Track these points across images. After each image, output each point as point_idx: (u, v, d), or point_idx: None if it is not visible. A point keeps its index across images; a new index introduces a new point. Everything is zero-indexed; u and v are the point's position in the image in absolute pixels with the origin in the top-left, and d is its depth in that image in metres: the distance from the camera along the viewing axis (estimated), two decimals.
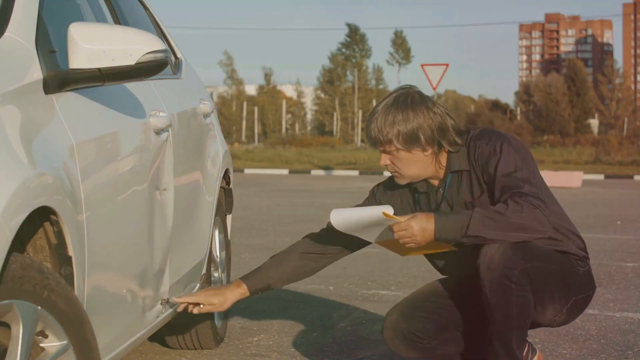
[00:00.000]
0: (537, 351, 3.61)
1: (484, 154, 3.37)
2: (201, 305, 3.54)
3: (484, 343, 3.35)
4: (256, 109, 78.67)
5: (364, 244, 3.58)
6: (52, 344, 2.31)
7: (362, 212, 3.34)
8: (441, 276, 3.71)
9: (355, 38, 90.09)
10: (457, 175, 3.44)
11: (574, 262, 3.46)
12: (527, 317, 3.28)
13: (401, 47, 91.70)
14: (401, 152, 3.39)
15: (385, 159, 3.44)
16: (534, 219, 3.19)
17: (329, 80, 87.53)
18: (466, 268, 3.40)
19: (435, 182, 3.50)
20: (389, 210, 3.28)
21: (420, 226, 3.23)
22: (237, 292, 3.59)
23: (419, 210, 3.53)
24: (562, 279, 3.40)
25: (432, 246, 3.35)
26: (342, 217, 3.37)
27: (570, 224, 3.51)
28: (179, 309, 3.58)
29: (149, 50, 2.72)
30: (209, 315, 4.32)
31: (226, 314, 4.67)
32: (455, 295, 3.56)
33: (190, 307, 3.55)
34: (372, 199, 3.65)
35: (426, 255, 3.57)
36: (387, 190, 3.62)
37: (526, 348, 3.52)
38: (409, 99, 3.40)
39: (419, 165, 3.42)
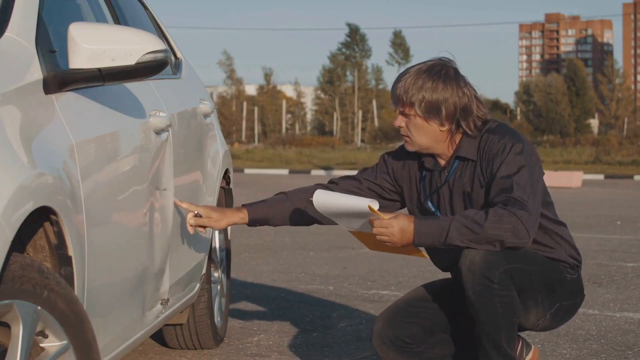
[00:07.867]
0: (532, 347, 3.59)
1: (492, 149, 3.35)
2: (197, 214, 3.51)
3: (474, 344, 3.34)
4: (256, 109, 78.67)
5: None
6: (52, 344, 2.31)
7: (347, 200, 3.29)
8: (426, 281, 3.68)
9: (355, 38, 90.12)
10: (464, 162, 3.43)
11: (563, 268, 3.45)
12: (513, 316, 3.26)
13: (400, 47, 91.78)
14: (418, 118, 3.38)
15: (400, 121, 3.43)
16: (511, 231, 3.16)
17: (329, 80, 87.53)
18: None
19: (442, 162, 3.48)
20: (374, 204, 3.23)
21: (400, 227, 3.21)
22: (237, 216, 3.57)
23: (423, 188, 3.52)
24: (547, 282, 3.38)
25: (404, 249, 3.31)
26: (325, 199, 3.31)
27: (566, 232, 3.50)
28: (182, 207, 3.54)
29: (149, 50, 2.72)
30: (209, 315, 4.32)
31: (226, 314, 4.67)
32: (440, 298, 3.54)
33: (189, 219, 3.51)
34: (383, 166, 3.62)
35: (428, 252, 3.54)
36: (398, 160, 3.60)
37: (519, 344, 3.51)
38: (443, 71, 3.39)
39: (431, 137, 3.41)
